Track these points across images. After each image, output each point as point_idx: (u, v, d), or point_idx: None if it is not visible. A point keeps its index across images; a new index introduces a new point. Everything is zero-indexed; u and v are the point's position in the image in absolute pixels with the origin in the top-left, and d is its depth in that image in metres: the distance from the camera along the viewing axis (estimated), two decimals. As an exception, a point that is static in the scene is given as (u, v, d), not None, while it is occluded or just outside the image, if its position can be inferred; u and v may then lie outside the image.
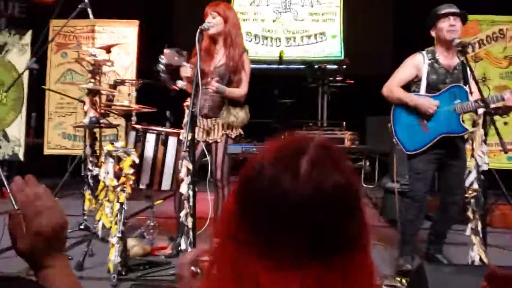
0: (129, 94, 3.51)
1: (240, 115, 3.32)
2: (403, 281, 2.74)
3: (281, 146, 0.72)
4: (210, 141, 3.34)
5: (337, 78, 7.67)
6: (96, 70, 3.27)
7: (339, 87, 7.67)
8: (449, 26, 2.95)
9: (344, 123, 7.58)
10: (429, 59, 3.06)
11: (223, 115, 3.29)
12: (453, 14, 2.97)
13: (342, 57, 8.33)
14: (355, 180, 0.69)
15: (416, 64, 3.09)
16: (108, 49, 3.89)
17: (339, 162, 0.70)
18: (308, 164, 0.66)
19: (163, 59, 3.20)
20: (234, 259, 0.68)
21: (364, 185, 6.97)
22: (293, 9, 8.56)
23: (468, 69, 2.94)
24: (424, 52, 3.11)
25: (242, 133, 3.42)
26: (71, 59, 5.92)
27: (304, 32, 8.53)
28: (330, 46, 8.48)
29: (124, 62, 5.83)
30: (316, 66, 7.90)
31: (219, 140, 3.32)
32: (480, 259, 2.64)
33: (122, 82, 3.79)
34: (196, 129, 3.23)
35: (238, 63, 3.28)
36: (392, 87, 3.08)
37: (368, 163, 7.20)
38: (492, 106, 2.83)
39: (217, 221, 0.75)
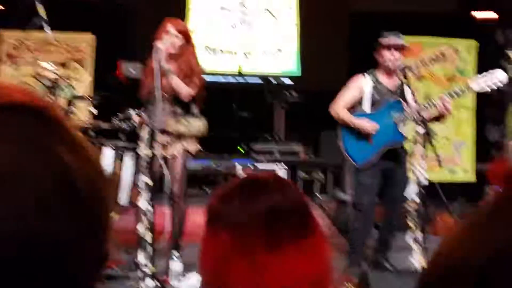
0: (89, 111, 3.53)
1: (193, 124, 3.36)
2: (352, 287, 2.92)
3: (244, 179, 0.95)
4: (168, 156, 3.39)
5: (293, 94, 7.92)
6: (53, 85, 3.28)
7: (294, 102, 7.91)
8: (391, 56, 3.30)
9: (300, 136, 7.82)
10: (372, 81, 3.36)
11: (171, 124, 3.29)
12: (395, 47, 3.30)
13: (299, 73, 8.59)
14: (301, 191, 0.95)
15: (359, 86, 3.38)
16: (64, 64, 3.90)
17: (288, 181, 0.97)
18: (273, 182, 0.90)
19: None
20: (235, 261, 0.85)
21: (318, 195, 7.19)
22: (250, 24, 8.74)
23: (406, 87, 3.31)
24: (366, 74, 3.40)
25: (200, 148, 3.49)
26: (23, 72, 5.81)
27: (261, 47, 8.72)
28: (286, 62, 8.71)
29: (80, 76, 5.80)
30: (273, 81, 8.12)
31: (177, 155, 3.38)
32: (421, 266, 2.86)
33: (80, 97, 3.81)
34: (154, 144, 3.29)
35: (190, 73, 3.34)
36: (337, 109, 3.38)
37: (322, 175, 7.44)
38: (426, 113, 3.16)
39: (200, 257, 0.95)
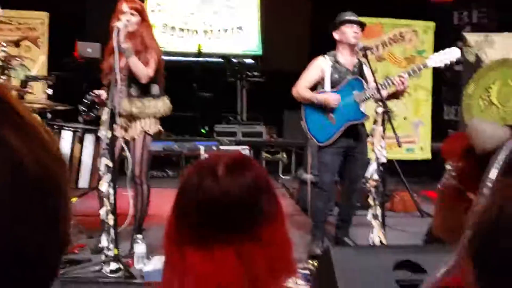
0: (45, 92, 3.41)
1: (148, 105, 3.29)
2: (315, 263, 3.00)
3: (198, 164, 0.93)
4: (128, 138, 3.34)
5: (255, 73, 7.90)
6: (5, 66, 3.14)
7: (256, 82, 7.90)
8: (353, 33, 3.36)
9: (262, 117, 7.84)
10: (331, 61, 3.42)
11: (125, 106, 3.22)
12: (357, 23, 3.37)
13: (260, 52, 8.56)
14: (263, 171, 0.89)
15: (320, 66, 3.44)
16: (17, 43, 3.73)
17: (248, 161, 0.90)
18: (223, 168, 0.84)
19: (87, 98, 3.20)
20: (170, 252, 0.86)
21: (282, 176, 7.28)
22: (210, 2, 8.60)
23: (364, 67, 3.40)
24: (325, 55, 3.47)
25: (161, 129, 3.46)
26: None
27: (221, 26, 8.61)
28: (248, 41, 8.65)
29: (34, 56, 5.56)
30: (234, 61, 8.05)
31: (136, 137, 3.33)
32: (380, 241, 2.98)
33: (34, 78, 3.66)
34: (114, 126, 3.23)
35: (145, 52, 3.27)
36: (299, 89, 3.42)
37: (285, 156, 7.52)
38: (385, 92, 3.25)
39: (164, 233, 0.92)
